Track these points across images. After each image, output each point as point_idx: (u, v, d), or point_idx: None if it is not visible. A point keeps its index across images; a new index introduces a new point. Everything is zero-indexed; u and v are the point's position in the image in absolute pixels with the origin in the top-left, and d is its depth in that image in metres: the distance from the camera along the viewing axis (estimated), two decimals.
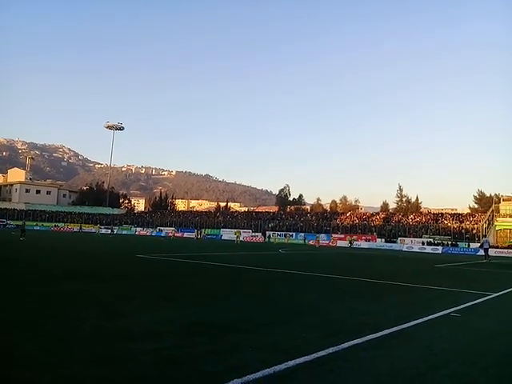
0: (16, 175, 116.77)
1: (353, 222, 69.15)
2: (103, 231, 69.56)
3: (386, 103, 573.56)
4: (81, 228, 75.83)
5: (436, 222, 62.55)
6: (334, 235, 61.87)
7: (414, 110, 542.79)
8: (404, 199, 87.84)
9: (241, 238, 53.29)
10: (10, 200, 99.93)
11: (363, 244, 57.67)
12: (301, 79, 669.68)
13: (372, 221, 68.86)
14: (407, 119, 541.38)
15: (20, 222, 47.98)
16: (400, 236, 59.13)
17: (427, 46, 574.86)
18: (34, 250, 24.05)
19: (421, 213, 74.47)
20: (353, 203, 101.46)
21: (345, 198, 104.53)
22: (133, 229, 77.92)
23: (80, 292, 9.21)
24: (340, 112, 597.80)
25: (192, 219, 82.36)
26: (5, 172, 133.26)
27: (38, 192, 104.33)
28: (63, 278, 11.59)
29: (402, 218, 68.08)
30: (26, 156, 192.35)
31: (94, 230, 70.60)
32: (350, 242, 55.38)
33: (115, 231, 69.94)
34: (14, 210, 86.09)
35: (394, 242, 58.15)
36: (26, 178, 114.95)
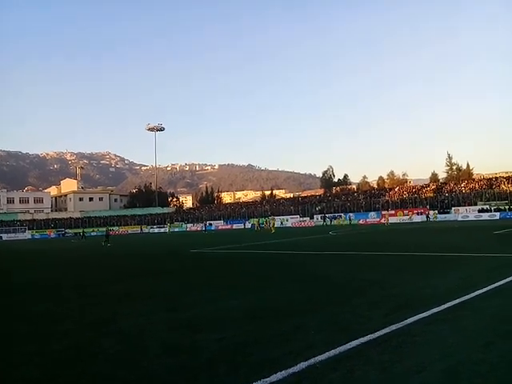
0: (68, 185, 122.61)
1: (402, 196, 67.45)
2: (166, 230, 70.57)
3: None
4: (141, 229, 78.83)
5: (491, 188, 59.74)
6: (383, 212, 60.69)
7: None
8: (454, 167, 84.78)
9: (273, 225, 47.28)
10: (65, 210, 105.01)
11: (416, 218, 56.21)
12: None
13: (423, 193, 66.88)
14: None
15: (80, 230, 50.43)
16: (453, 206, 57.18)
17: None
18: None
19: (473, 179, 71.40)
20: (401, 177, 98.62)
21: (392, 173, 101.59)
22: (183, 225, 79.62)
23: (147, 287, 9.69)
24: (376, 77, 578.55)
25: (239, 210, 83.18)
26: (58, 184, 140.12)
27: (90, 199, 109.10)
28: (134, 276, 12.13)
29: (453, 187, 65.66)
30: (75, 166, 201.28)
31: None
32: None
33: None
34: (71, 218, 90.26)
35: (448, 212, 56.32)
36: (78, 188, 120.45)
